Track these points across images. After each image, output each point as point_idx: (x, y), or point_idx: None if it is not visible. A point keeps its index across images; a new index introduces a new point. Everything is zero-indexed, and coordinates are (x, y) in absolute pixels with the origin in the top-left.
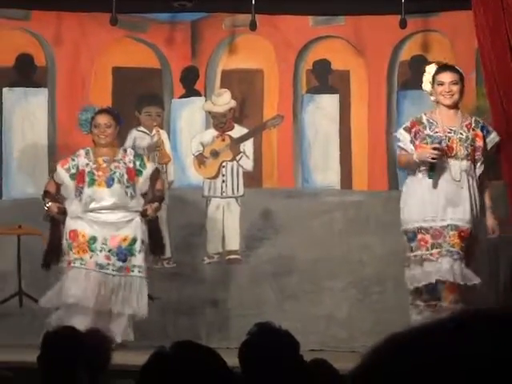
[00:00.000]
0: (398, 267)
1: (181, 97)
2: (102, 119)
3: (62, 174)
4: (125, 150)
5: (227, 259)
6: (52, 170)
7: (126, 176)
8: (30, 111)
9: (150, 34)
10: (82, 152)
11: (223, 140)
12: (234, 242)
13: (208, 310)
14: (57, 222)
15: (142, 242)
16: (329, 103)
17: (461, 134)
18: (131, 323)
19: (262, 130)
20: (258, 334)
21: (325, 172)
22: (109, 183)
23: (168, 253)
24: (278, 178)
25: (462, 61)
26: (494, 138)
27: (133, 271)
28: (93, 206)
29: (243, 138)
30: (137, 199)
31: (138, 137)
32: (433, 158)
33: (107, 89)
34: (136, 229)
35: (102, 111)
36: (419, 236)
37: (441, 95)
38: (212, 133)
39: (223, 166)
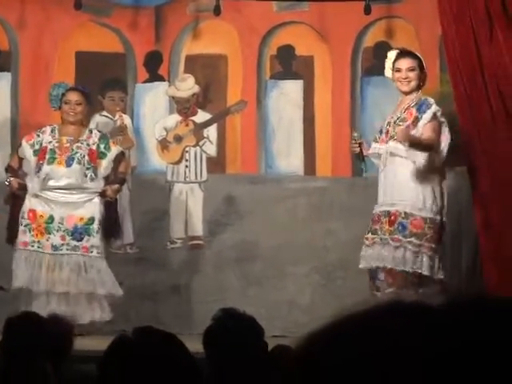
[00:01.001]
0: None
1: (144, 81)
2: (73, 96)
3: (26, 149)
4: (90, 131)
5: (190, 244)
6: (18, 146)
7: (87, 157)
8: None
9: (113, 19)
10: (47, 129)
11: (187, 125)
12: (197, 228)
13: (171, 295)
14: (18, 197)
15: (100, 222)
16: (293, 89)
17: (397, 116)
18: (106, 303)
19: (226, 115)
20: (222, 319)
21: (288, 158)
22: (68, 163)
23: (131, 238)
24: (241, 163)
25: (426, 47)
26: (427, 116)
27: (91, 252)
28: (50, 184)
29: (207, 124)
30: (97, 181)
31: (101, 121)
32: (355, 151)
33: (70, 73)
34: (94, 209)
35: (73, 88)
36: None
37: (398, 81)
38: (175, 118)
39: (186, 151)
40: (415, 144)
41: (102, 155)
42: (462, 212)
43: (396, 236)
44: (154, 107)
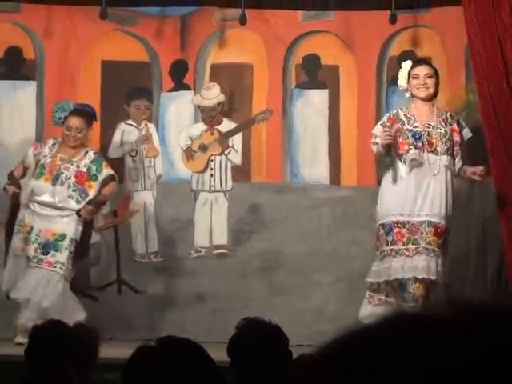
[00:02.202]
0: None
1: (170, 90)
2: (74, 122)
3: (31, 158)
4: (86, 152)
5: (215, 253)
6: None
7: (73, 179)
8: (18, 104)
9: (139, 28)
10: (50, 141)
11: (212, 134)
12: (221, 237)
13: (195, 304)
14: (16, 207)
15: (71, 240)
16: (318, 98)
17: (439, 128)
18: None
19: (251, 124)
20: (246, 328)
21: (313, 167)
22: (54, 182)
23: (155, 247)
24: (266, 172)
25: (452, 56)
26: (467, 132)
27: (55, 266)
28: (34, 198)
29: (232, 132)
30: (83, 203)
31: (127, 130)
32: (386, 140)
33: (96, 82)
34: (68, 226)
35: (75, 112)
36: (395, 230)
37: (416, 88)
38: (201, 127)
39: (211, 160)
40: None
41: (93, 177)
42: (487, 219)
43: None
44: (179, 116)
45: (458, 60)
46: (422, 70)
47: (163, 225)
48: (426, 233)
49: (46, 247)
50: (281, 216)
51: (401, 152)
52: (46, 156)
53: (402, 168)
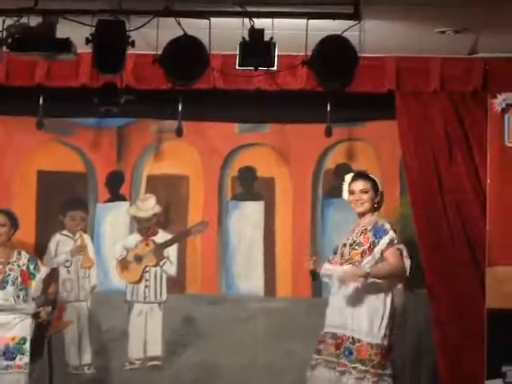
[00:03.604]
0: None
1: (106, 201)
2: None
3: None
4: (19, 253)
5: (149, 365)
6: None
7: (19, 279)
8: None
9: (76, 138)
10: None
11: (147, 245)
12: (155, 348)
13: None
14: None
15: (31, 342)
16: (253, 210)
17: (353, 239)
18: None
19: (187, 235)
20: None
21: (248, 278)
22: (3, 285)
23: (88, 358)
24: (201, 283)
25: (387, 169)
26: (385, 241)
27: (25, 369)
28: None
29: (167, 244)
30: (29, 302)
31: (62, 240)
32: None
33: (32, 192)
34: (26, 330)
35: None
36: None
37: (352, 203)
38: (136, 237)
39: (146, 271)
40: (375, 276)
41: (32, 276)
42: (421, 332)
43: (342, 361)
44: (114, 226)
45: (393, 173)
46: (357, 186)
47: (97, 335)
48: (328, 344)
49: (9, 352)
50: (216, 328)
51: None
52: None
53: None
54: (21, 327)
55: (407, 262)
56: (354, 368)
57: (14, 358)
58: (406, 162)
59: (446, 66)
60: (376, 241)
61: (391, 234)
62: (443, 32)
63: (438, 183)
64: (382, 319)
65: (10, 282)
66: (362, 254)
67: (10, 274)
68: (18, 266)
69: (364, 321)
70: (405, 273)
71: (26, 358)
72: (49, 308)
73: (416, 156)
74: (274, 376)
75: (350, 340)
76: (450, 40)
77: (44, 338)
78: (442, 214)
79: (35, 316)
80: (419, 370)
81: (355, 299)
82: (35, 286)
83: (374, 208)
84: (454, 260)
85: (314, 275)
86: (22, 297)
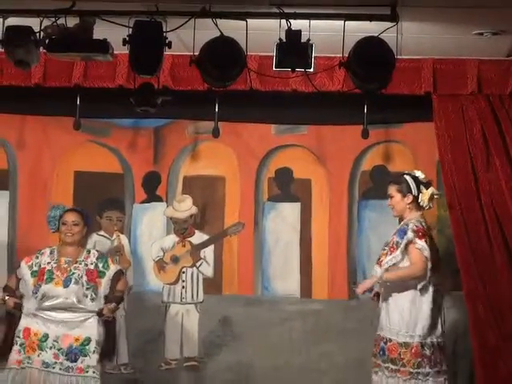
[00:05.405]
0: (358, 374)
1: (142, 202)
2: (70, 217)
3: (25, 270)
4: (88, 252)
5: (185, 366)
6: (16, 266)
7: (85, 277)
8: None
9: (112, 139)
10: (47, 250)
11: (184, 246)
12: (192, 349)
13: None
14: (13, 316)
15: (97, 342)
16: (290, 211)
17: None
18: None
19: (223, 236)
20: None
21: (285, 280)
22: (66, 283)
23: (125, 358)
24: (237, 284)
25: (423, 171)
26: (405, 241)
27: (87, 371)
28: (47, 303)
29: (204, 245)
30: (98, 301)
31: (99, 241)
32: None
33: (69, 192)
34: (91, 329)
35: (70, 210)
36: None
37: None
38: (173, 238)
39: (183, 272)
40: (388, 280)
41: (101, 274)
42: (458, 335)
43: (378, 361)
44: (151, 227)
45: (430, 175)
46: (388, 191)
47: (134, 336)
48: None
49: (71, 353)
50: (252, 329)
51: None
52: (49, 263)
53: None
54: (85, 326)
55: (427, 263)
56: (386, 368)
57: (76, 360)
58: (442, 164)
59: (484, 68)
60: (399, 241)
61: (409, 234)
62: (481, 34)
63: (475, 185)
64: (410, 318)
65: (73, 281)
66: (387, 254)
67: (74, 273)
68: (86, 264)
69: (394, 320)
70: (424, 273)
71: (90, 361)
72: (112, 304)
73: (453, 158)
74: (310, 378)
75: (384, 340)
76: (487, 42)
77: (113, 338)
78: (479, 216)
79: (99, 314)
80: (456, 372)
81: (386, 300)
82: (104, 284)
83: (417, 207)
84: (491, 262)
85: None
86: (89, 296)
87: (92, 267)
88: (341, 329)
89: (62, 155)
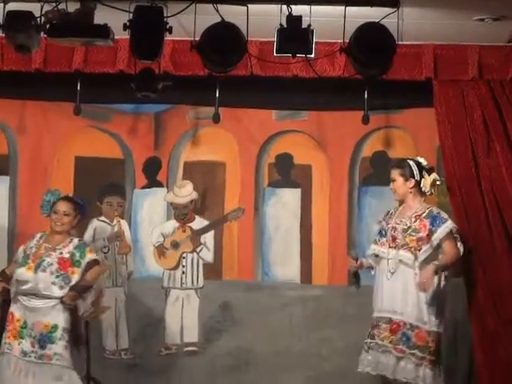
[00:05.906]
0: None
1: (143, 187)
2: (62, 206)
3: (21, 255)
4: (71, 240)
5: (185, 351)
6: (15, 252)
7: (56, 265)
8: None
9: (113, 124)
10: (37, 235)
11: (184, 231)
12: (192, 334)
13: None
14: (7, 304)
15: (64, 329)
16: (290, 197)
17: (407, 225)
18: None
19: (223, 222)
20: None
21: (285, 266)
22: (35, 270)
23: (126, 343)
24: (238, 270)
25: (424, 157)
26: (444, 230)
27: (52, 359)
28: (21, 288)
29: (204, 230)
30: (67, 289)
31: (99, 226)
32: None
33: (69, 178)
34: (57, 316)
35: (64, 198)
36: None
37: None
38: (173, 224)
39: (183, 258)
40: (443, 269)
41: (76, 263)
42: (458, 321)
43: (399, 346)
44: (151, 213)
45: (430, 161)
46: (391, 175)
47: (134, 321)
48: (381, 329)
49: (42, 341)
50: (252, 314)
51: None
52: (32, 247)
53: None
54: (53, 313)
55: (461, 249)
56: (413, 354)
57: (45, 347)
58: (443, 149)
59: (484, 53)
60: (434, 229)
61: (449, 223)
62: (482, 20)
63: (476, 171)
64: (437, 306)
65: (41, 267)
66: (419, 241)
67: (44, 260)
68: (61, 253)
69: (422, 308)
70: (459, 260)
71: (56, 348)
72: (72, 293)
73: (453, 144)
74: (310, 364)
75: (408, 326)
76: (488, 28)
77: (79, 327)
78: (479, 202)
79: (61, 301)
80: (456, 357)
81: (411, 286)
82: (78, 273)
83: (419, 193)
84: (492, 248)
85: (356, 277)
86: (58, 284)
87: (67, 256)
88: (341, 314)
89: (63, 140)
